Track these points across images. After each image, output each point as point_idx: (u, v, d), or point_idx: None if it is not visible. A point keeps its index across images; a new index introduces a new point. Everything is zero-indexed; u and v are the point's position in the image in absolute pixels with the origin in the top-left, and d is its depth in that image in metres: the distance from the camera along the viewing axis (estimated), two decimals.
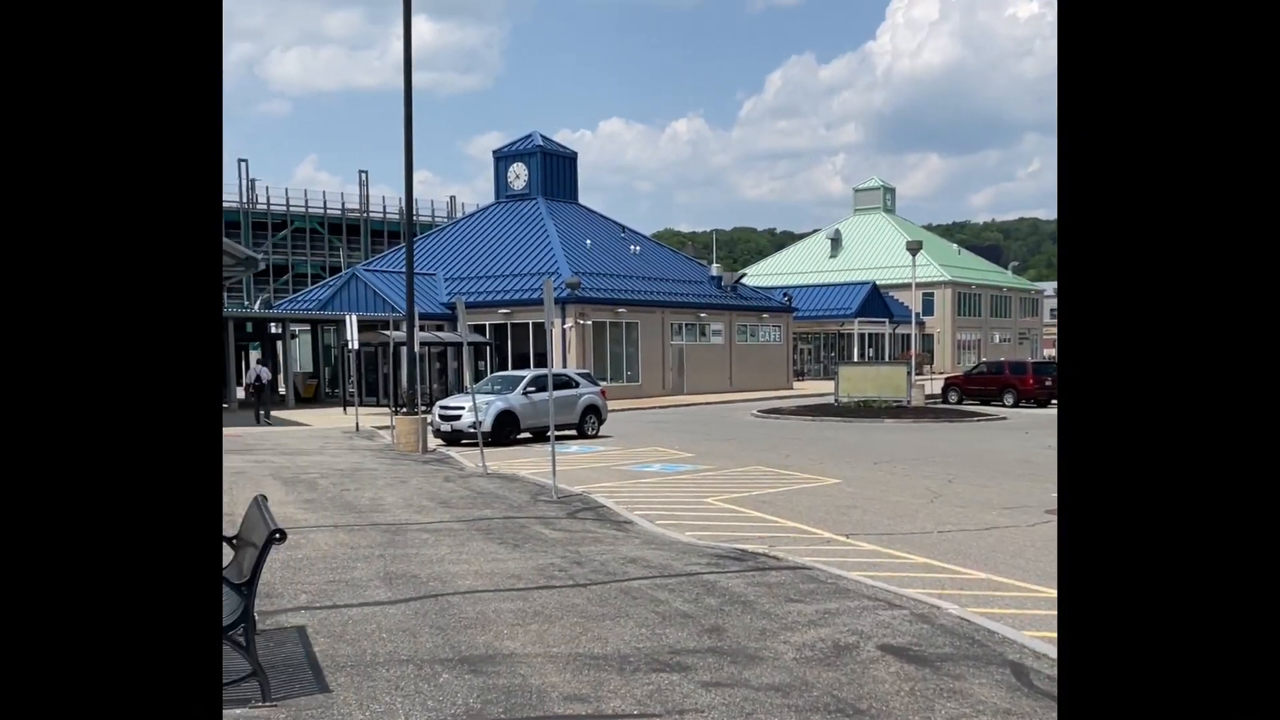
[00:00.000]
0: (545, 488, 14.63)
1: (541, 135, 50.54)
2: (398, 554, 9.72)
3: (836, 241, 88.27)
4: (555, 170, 50.29)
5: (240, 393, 34.81)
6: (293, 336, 41.26)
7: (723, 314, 47.39)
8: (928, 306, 75.80)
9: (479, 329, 38.65)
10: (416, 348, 22.54)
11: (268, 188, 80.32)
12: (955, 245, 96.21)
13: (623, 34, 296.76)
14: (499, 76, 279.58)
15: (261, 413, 29.47)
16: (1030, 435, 24.28)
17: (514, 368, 38.00)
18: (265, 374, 30.67)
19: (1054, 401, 31.76)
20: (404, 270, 24.60)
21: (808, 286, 70.25)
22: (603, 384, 28.11)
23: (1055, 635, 5.63)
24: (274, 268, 73.39)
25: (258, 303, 60.79)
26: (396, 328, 32.73)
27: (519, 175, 49.78)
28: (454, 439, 22.99)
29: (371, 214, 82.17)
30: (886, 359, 63.42)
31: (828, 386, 42.93)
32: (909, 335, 56.97)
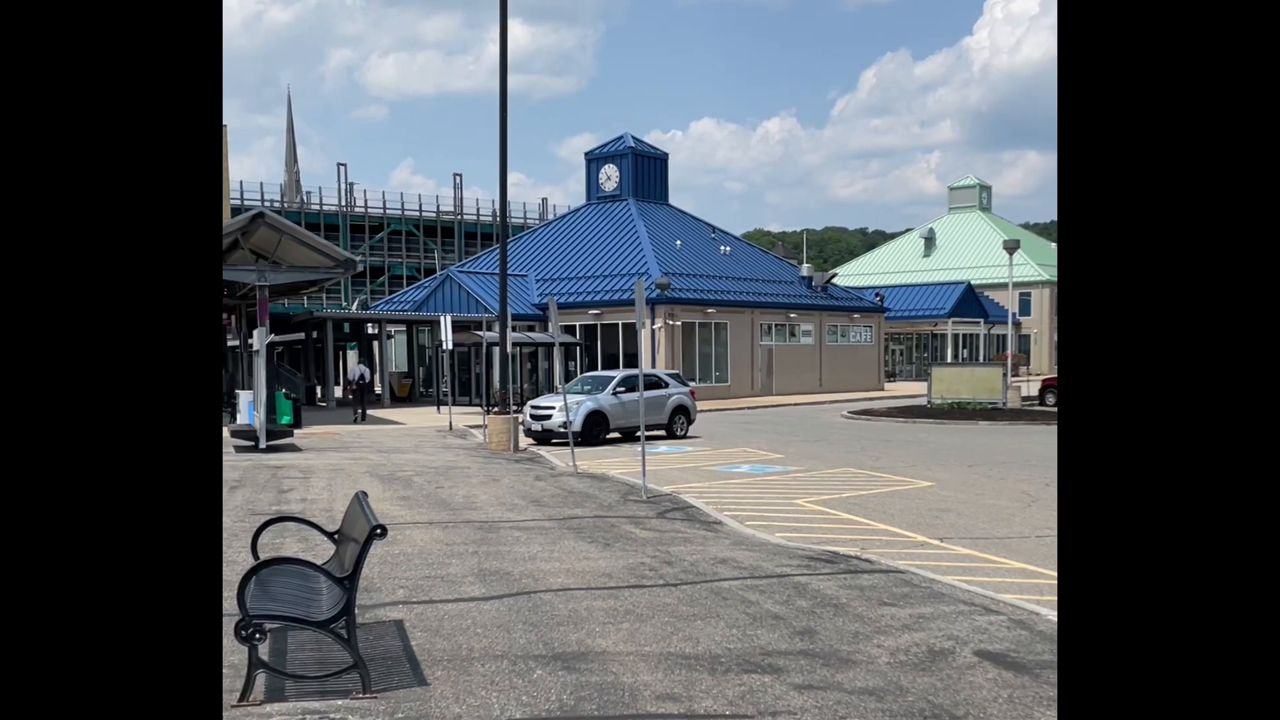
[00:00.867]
0: (635, 487, 14.70)
1: (633, 137, 50.73)
2: (491, 551, 9.86)
3: (930, 240, 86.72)
4: (646, 171, 50.43)
5: (338, 391, 35.62)
6: (389, 337, 42.15)
7: (813, 314, 46.97)
8: (1024, 307, 74.01)
9: (569, 329, 38.97)
10: (509, 348, 22.82)
11: (365, 191, 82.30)
12: (1054, 244, 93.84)
13: (715, 34, 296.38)
14: (592, 79, 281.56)
15: (358, 411, 30.15)
16: None
17: (603, 368, 38.25)
18: (366, 373, 31.42)
19: None
20: (497, 272, 24.95)
21: (900, 286, 69.16)
22: (691, 384, 28.09)
23: None
24: (371, 270, 74.99)
25: (355, 304, 62.16)
26: (489, 328, 33.20)
27: (610, 176, 50.05)
28: (544, 438, 23.23)
29: (465, 216, 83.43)
30: (981, 360, 62.14)
31: (920, 388, 42.27)
32: (1004, 336, 55.76)
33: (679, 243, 46.12)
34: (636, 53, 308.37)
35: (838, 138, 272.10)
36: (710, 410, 33.23)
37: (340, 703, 5.43)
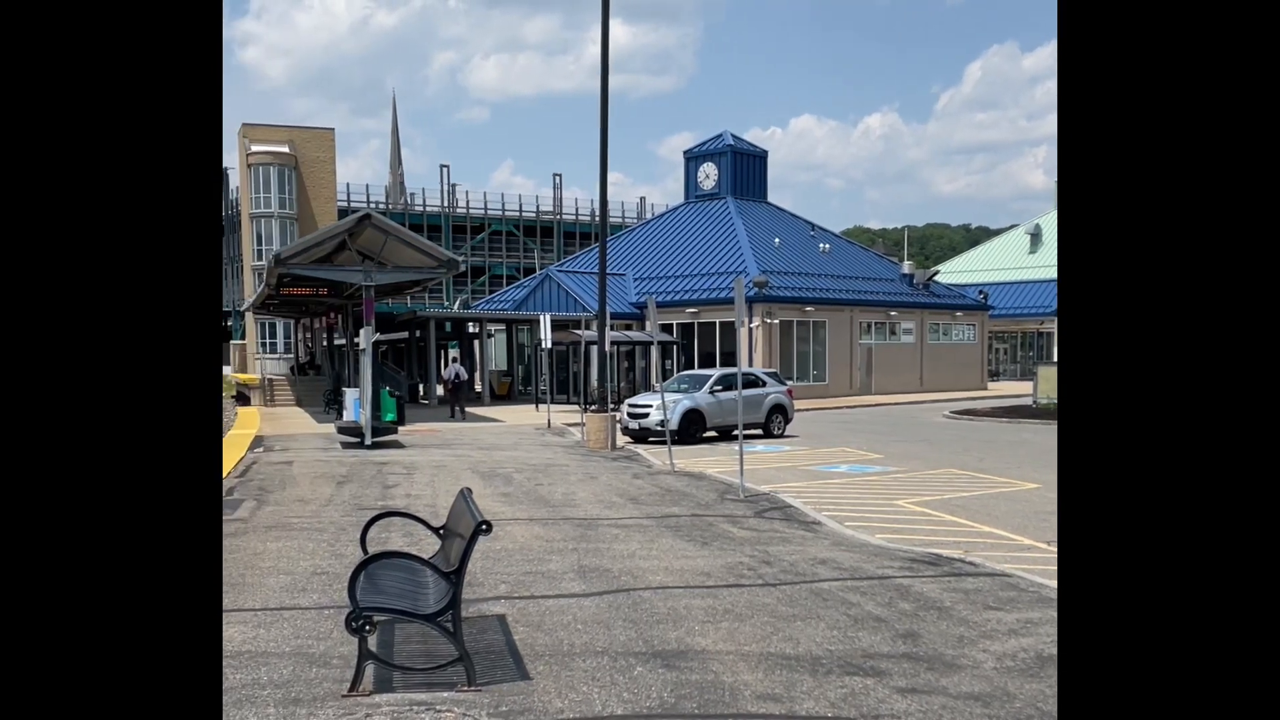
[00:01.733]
0: (732, 486, 14.67)
1: (732, 134, 50.60)
2: (590, 548, 9.96)
3: (1036, 237, 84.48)
4: (745, 169, 50.25)
5: (439, 389, 36.33)
6: (489, 335, 42.82)
7: (914, 312, 46.21)
8: None
9: (666, 328, 39.04)
10: (607, 346, 22.97)
11: (467, 192, 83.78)
12: None
13: (816, 30, 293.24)
14: (692, 77, 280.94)
15: (457, 409, 30.69)
16: None
17: (700, 366, 38.22)
18: (463, 373, 31.99)
19: None
20: (595, 271, 25.13)
21: (1004, 284, 67.61)
22: (789, 383, 27.90)
23: None
24: (472, 269, 76.22)
25: (456, 303, 63.32)
26: (588, 327, 33.46)
27: (708, 175, 50.00)
28: (641, 436, 23.33)
29: (564, 216, 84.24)
30: None
31: (1025, 387, 41.24)
32: None
33: (777, 240, 45.84)
34: (737, 50, 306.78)
35: (941, 133, 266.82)
36: (808, 409, 32.95)
37: (446, 695, 5.55)
